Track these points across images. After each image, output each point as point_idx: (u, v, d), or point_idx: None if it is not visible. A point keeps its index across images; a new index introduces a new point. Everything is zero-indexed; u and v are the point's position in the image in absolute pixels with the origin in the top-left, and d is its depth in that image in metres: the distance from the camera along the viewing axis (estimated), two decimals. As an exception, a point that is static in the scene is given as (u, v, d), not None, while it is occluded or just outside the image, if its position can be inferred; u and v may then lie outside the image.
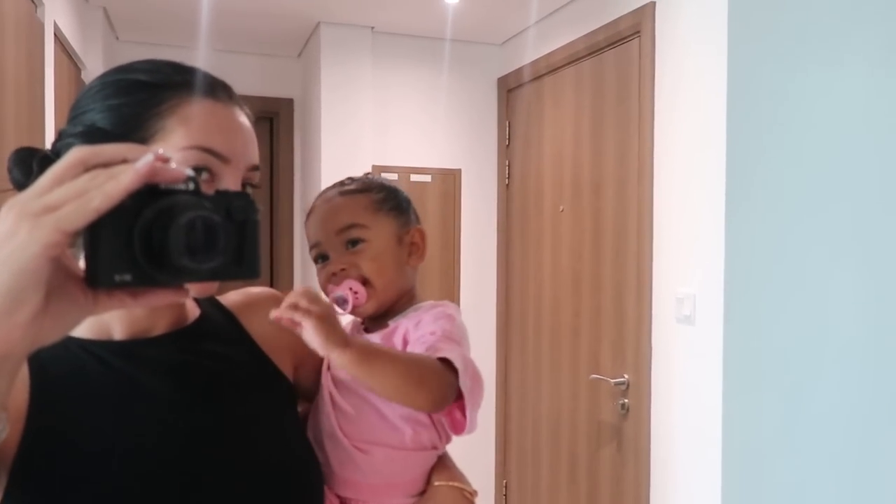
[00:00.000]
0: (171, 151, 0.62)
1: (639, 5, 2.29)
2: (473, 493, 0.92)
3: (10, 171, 0.63)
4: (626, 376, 2.40)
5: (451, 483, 0.91)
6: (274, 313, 0.76)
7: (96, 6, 2.83)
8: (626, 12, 2.37)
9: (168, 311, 0.76)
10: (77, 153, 0.46)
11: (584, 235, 2.66)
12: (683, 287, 2.09)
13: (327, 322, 0.75)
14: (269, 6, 2.81)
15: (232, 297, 0.88)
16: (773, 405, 1.98)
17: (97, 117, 0.67)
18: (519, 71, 3.09)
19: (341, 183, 1.00)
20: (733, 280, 1.93)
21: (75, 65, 2.68)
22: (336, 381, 0.92)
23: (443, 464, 0.94)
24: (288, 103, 3.52)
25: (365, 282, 0.93)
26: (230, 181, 0.69)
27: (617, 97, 2.46)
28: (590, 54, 2.61)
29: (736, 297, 1.93)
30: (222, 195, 0.50)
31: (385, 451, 0.89)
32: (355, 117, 3.04)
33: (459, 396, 0.85)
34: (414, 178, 3.20)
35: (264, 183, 3.49)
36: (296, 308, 0.75)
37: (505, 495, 3.27)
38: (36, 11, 2.07)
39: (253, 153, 0.73)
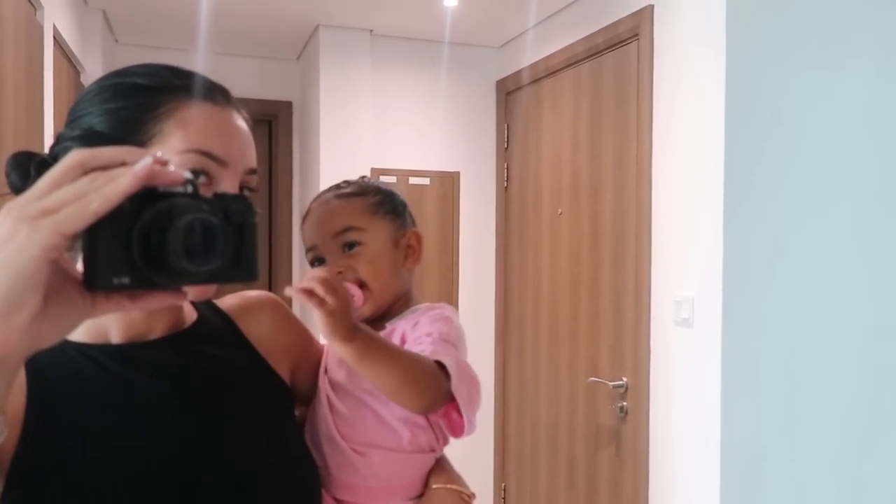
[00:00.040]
0: (168, 155, 0.62)
1: (637, 8, 2.30)
2: (471, 496, 0.92)
3: (7, 175, 0.63)
4: (624, 379, 2.40)
5: (448, 486, 0.91)
6: (290, 291, 0.77)
7: (96, 9, 2.84)
8: (624, 15, 2.37)
9: (165, 315, 0.76)
10: (75, 156, 0.46)
11: (582, 238, 2.66)
12: (682, 290, 2.10)
13: (336, 316, 0.76)
14: (268, 9, 2.82)
15: (229, 301, 0.88)
16: (772, 408, 1.98)
17: (95, 121, 0.67)
18: (517, 74, 3.10)
19: (337, 186, 1.00)
20: (731, 283, 1.93)
21: (74, 68, 2.68)
22: (333, 384, 0.92)
23: (440, 466, 0.94)
24: (287, 106, 3.52)
25: (362, 285, 0.93)
26: (228, 184, 0.69)
27: (615, 100, 2.47)
28: (588, 57, 2.61)
29: (734, 300, 1.94)
30: (220, 198, 0.50)
31: (383, 453, 0.89)
32: (354, 120, 3.04)
33: (452, 398, 0.85)
34: (412, 180, 3.20)
35: (263, 185, 3.49)
36: (311, 295, 0.76)
37: (503, 498, 3.26)
38: (35, 14, 2.07)
39: (250, 156, 0.73)
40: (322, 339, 0.83)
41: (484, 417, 3.25)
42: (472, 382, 0.88)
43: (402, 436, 0.89)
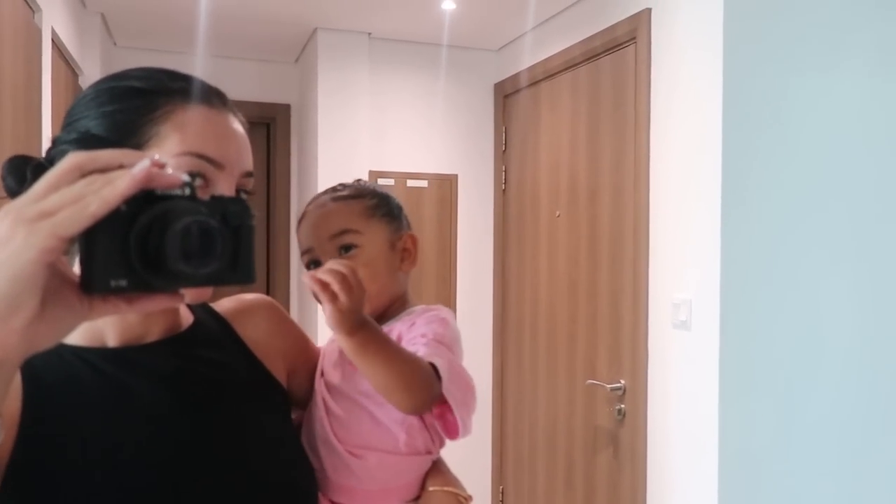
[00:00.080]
0: (165, 158, 0.62)
1: (635, 11, 2.31)
2: (468, 498, 0.92)
3: (3, 178, 0.63)
4: (622, 382, 2.40)
5: (445, 488, 0.91)
6: (306, 277, 0.78)
7: (94, 12, 2.84)
8: (622, 18, 2.38)
9: (162, 318, 0.76)
10: (73, 159, 0.46)
11: (580, 241, 2.66)
12: (679, 292, 2.10)
13: (344, 313, 0.77)
14: (267, 12, 2.82)
15: (225, 304, 0.88)
16: (770, 410, 1.98)
17: (91, 124, 0.68)
18: (515, 77, 3.10)
19: (333, 189, 1.01)
20: (729, 285, 1.94)
21: (73, 70, 2.68)
22: (329, 387, 0.92)
23: (437, 468, 0.94)
24: (285, 109, 3.53)
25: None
26: (224, 187, 0.69)
27: (613, 103, 2.47)
28: (586, 60, 2.62)
29: (732, 303, 1.94)
30: (218, 200, 0.51)
31: (379, 456, 0.89)
32: (352, 123, 3.04)
33: (444, 400, 0.85)
34: (410, 183, 3.20)
35: (261, 188, 3.49)
36: (325, 287, 0.77)
37: (501, 500, 3.26)
38: (34, 17, 2.07)
39: (247, 159, 0.73)
40: (322, 338, 0.83)
41: (482, 420, 3.25)
42: (466, 384, 0.88)
43: (399, 438, 0.89)
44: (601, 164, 2.54)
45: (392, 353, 0.82)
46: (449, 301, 3.25)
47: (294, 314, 3.47)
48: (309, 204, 1.00)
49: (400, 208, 1.03)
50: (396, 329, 0.93)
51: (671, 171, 2.15)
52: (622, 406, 2.39)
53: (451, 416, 0.87)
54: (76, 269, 0.48)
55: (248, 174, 0.73)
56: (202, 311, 0.84)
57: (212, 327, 0.83)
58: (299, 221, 1.00)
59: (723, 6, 1.92)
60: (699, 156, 2.01)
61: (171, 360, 0.75)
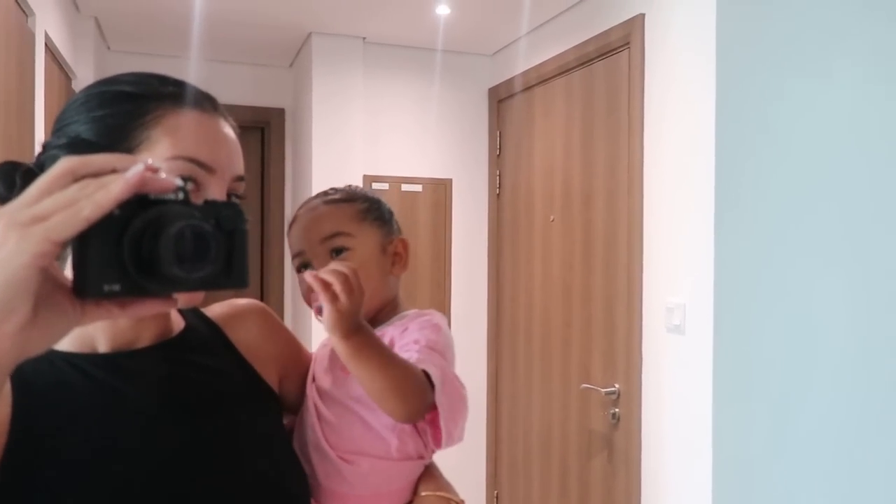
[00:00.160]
0: (156, 161, 0.62)
1: (628, 17, 2.31)
2: (461, 503, 0.92)
3: None
4: (616, 386, 2.40)
5: (437, 493, 0.91)
6: (308, 276, 0.79)
7: (88, 16, 2.83)
8: (615, 24, 2.39)
9: (153, 323, 0.75)
10: (66, 163, 0.46)
11: (574, 245, 2.67)
12: (673, 297, 2.10)
13: (343, 315, 0.78)
14: (261, 17, 2.82)
15: (216, 309, 0.88)
16: (763, 414, 1.99)
17: (82, 129, 0.67)
18: (510, 81, 3.11)
19: (325, 193, 1.01)
20: (723, 289, 1.94)
21: (66, 74, 2.67)
22: (321, 392, 0.92)
23: (430, 473, 0.94)
24: (279, 113, 3.52)
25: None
26: (215, 191, 0.69)
27: (607, 108, 2.48)
28: (580, 65, 2.62)
29: (725, 307, 1.94)
30: (211, 205, 0.51)
31: (371, 461, 0.88)
32: (346, 127, 3.04)
33: (434, 408, 0.85)
34: (405, 187, 3.20)
35: (255, 192, 3.49)
36: (327, 287, 0.77)
37: (496, 506, 3.26)
38: (27, 21, 2.07)
39: (238, 164, 0.73)
40: (314, 343, 0.83)
41: (476, 424, 3.25)
42: (457, 393, 0.88)
43: (391, 443, 0.89)
44: (595, 169, 2.54)
45: (386, 360, 0.82)
46: (443, 305, 3.25)
47: (288, 319, 3.46)
48: (300, 208, 1.00)
49: (391, 213, 1.03)
50: (389, 334, 0.93)
51: (665, 175, 2.16)
52: (616, 410, 2.39)
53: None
54: (68, 273, 0.48)
55: (240, 178, 0.73)
56: (193, 317, 0.83)
57: (203, 332, 0.83)
58: (290, 225, 1.00)
59: (716, 11, 1.93)
60: (692, 160, 2.02)
61: (163, 365, 0.74)
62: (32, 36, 2.10)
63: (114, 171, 0.46)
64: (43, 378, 0.67)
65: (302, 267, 0.96)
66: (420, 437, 0.91)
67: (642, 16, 2.25)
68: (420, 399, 0.83)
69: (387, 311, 0.98)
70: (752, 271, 1.98)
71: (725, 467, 1.95)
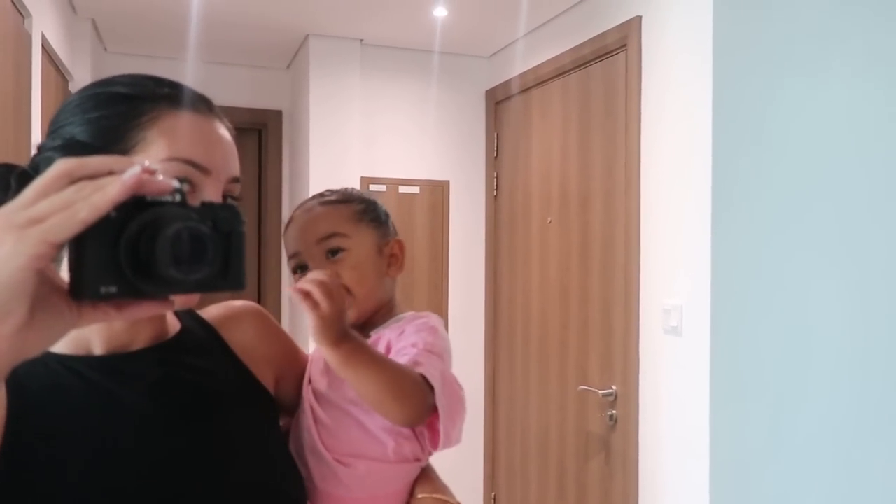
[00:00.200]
0: (152, 163, 0.62)
1: (625, 19, 2.32)
2: None
3: None
4: (613, 387, 2.40)
5: (434, 495, 0.90)
6: (289, 289, 0.79)
7: (85, 18, 2.83)
8: (612, 26, 2.39)
9: (149, 325, 0.75)
10: (62, 165, 0.46)
11: (571, 247, 2.67)
12: (670, 298, 2.11)
13: (327, 321, 0.78)
14: (259, 18, 2.82)
15: (213, 311, 0.87)
16: (761, 416, 1.99)
17: (76, 130, 0.67)
18: (507, 83, 3.11)
19: (321, 194, 1.01)
20: (720, 291, 1.94)
21: (63, 76, 2.67)
22: (317, 395, 0.91)
23: (426, 476, 0.93)
24: (276, 115, 3.52)
25: (346, 290, 0.93)
26: (211, 192, 0.69)
27: (604, 110, 2.48)
28: (577, 67, 2.63)
29: (723, 308, 1.95)
30: (208, 207, 0.50)
31: (367, 464, 0.88)
32: (344, 129, 3.04)
33: (435, 410, 0.85)
34: (402, 189, 3.20)
35: (252, 194, 3.49)
36: (307, 296, 0.77)
37: (494, 508, 3.26)
38: (24, 23, 2.06)
39: (233, 165, 0.73)
40: (311, 345, 0.84)
41: (473, 426, 3.25)
42: (455, 395, 0.88)
43: (387, 446, 0.89)
44: (592, 171, 2.55)
45: (379, 365, 0.82)
46: (441, 307, 3.25)
47: (285, 321, 3.46)
48: (296, 209, 1.00)
49: (387, 214, 1.03)
50: (385, 337, 0.93)
51: (662, 177, 2.16)
52: (614, 412, 2.39)
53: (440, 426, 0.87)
54: (64, 275, 0.47)
55: (235, 179, 0.73)
56: (189, 319, 0.83)
57: (199, 334, 0.83)
58: (286, 226, 1.00)
59: (712, 13, 1.94)
60: (689, 162, 2.02)
61: (158, 367, 0.74)
62: (29, 37, 2.09)
63: (110, 173, 0.46)
64: (37, 381, 0.67)
65: (298, 268, 0.97)
66: (417, 439, 0.91)
67: (639, 18, 2.26)
68: (419, 402, 0.82)
69: (383, 312, 0.98)
70: (749, 273, 1.98)
71: (722, 468, 1.95)
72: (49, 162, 0.47)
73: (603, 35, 2.44)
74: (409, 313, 0.98)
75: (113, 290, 0.46)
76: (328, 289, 0.78)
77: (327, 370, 0.92)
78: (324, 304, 0.77)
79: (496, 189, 3.25)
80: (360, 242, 0.96)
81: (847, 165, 2.09)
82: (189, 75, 3.17)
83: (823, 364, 2.06)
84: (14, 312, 0.44)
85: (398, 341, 0.91)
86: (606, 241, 2.46)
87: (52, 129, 0.69)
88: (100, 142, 0.66)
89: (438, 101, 3.25)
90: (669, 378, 2.12)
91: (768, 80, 2.00)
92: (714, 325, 1.94)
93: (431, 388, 0.83)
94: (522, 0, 2.61)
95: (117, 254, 0.46)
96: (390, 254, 1.00)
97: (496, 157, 3.26)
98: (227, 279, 0.50)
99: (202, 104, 0.72)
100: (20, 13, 2.02)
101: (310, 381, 0.93)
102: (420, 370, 0.84)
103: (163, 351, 0.76)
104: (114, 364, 0.71)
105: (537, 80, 2.88)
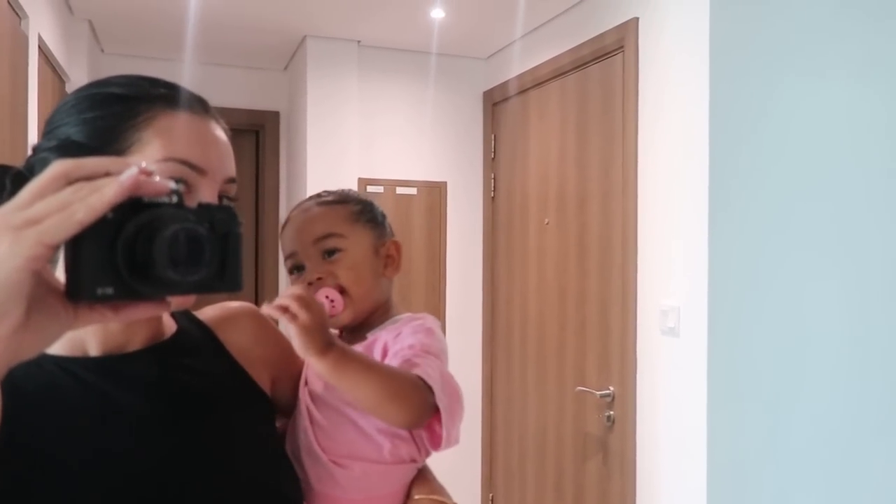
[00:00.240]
0: (148, 164, 0.62)
1: (622, 21, 2.32)
2: None
3: None
4: (611, 388, 2.40)
5: (431, 496, 0.90)
6: (266, 308, 0.78)
7: (82, 19, 2.83)
8: (610, 27, 2.39)
9: (145, 326, 0.75)
10: (59, 166, 0.45)
11: (569, 248, 2.67)
12: (668, 299, 2.11)
13: (309, 331, 0.77)
14: (256, 20, 2.82)
15: (209, 312, 0.87)
16: (758, 416, 1.99)
17: (72, 131, 0.67)
18: (504, 85, 3.11)
19: (318, 195, 1.01)
20: (717, 292, 1.95)
21: (60, 77, 2.67)
22: (313, 396, 0.91)
23: (423, 477, 0.93)
24: (274, 116, 3.52)
25: (342, 291, 0.94)
26: (207, 193, 0.69)
27: (601, 111, 2.49)
28: (574, 68, 2.63)
29: (720, 309, 1.95)
30: (205, 208, 0.50)
31: (363, 465, 0.88)
32: (341, 130, 3.04)
33: (436, 411, 0.84)
34: (400, 190, 3.20)
35: (250, 196, 3.49)
36: (285, 311, 0.77)
37: (491, 509, 3.26)
38: (20, 24, 2.06)
39: (229, 165, 0.73)
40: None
41: (471, 427, 3.25)
42: (454, 395, 0.88)
43: (383, 447, 0.88)
44: (589, 172, 2.55)
45: (370, 370, 0.82)
46: (438, 309, 3.25)
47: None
48: (293, 209, 1.01)
49: (384, 215, 1.03)
50: (381, 338, 0.93)
51: (659, 178, 2.16)
52: (611, 413, 2.39)
53: (438, 425, 0.86)
54: (60, 276, 0.47)
55: (231, 180, 0.73)
56: (185, 320, 0.83)
57: (195, 336, 0.82)
58: (283, 227, 1.00)
59: (709, 15, 1.94)
60: (686, 163, 2.03)
61: (154, 368, 0.74)
62: (26, 39, 2.09)
63: (107, 174, 0.46)
64: (33, 382, 0.67)
65: (294, 268, 0.97)
66: (413, 440, 0.91)
67: (636, 19, 2.26)
68: (418, 404, 0.82)
69: (380, 313, 0.98)
70: (746, 274, 1.98)
71: (720, 469, 1.95)
72: (45, 163, 0.47)
73: (600, 36, 2.45)
74: (406, 315, 0.98)
75: (109, 291, 0.46)
76: (305, 301, 0.78)
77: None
78: (302, 314, 0.77)
79: (493, 190, 3.26)
80: (356, 243, 0.96)
81: (844, 166, 2.10)
82: (186, 76, 3.17)
83: (820, 365, 2.06)
84: (10, 314, 0.44)
85: (395, 343, 0.91)
86: (604, 242, 2.46)
87: (47, 130, 0.69)
88: (95, 142, 0.66)
89: (436, 103, 3.25)
90: (667, 379, 2.12)
91: (765, 81, 2.00)
92: (711, 326, 1.94)
93: (429, 389, 0.83)
94: (520, 1, 2.61)
95: (114, 255, 0.46)
96: (387, 254, 1.00)
97: (493, 159, 3.26)
98: (223, 280, 0.50)
99: (198, 105, 0.72)
100: (17, 14, 2.02)
101: (306, 383, 0.93)
102: (417, 371, 0.84)
103: (159, 352, 0.76)
104: (110, 365, 0.71)
105: (535, 82, 2.88)
